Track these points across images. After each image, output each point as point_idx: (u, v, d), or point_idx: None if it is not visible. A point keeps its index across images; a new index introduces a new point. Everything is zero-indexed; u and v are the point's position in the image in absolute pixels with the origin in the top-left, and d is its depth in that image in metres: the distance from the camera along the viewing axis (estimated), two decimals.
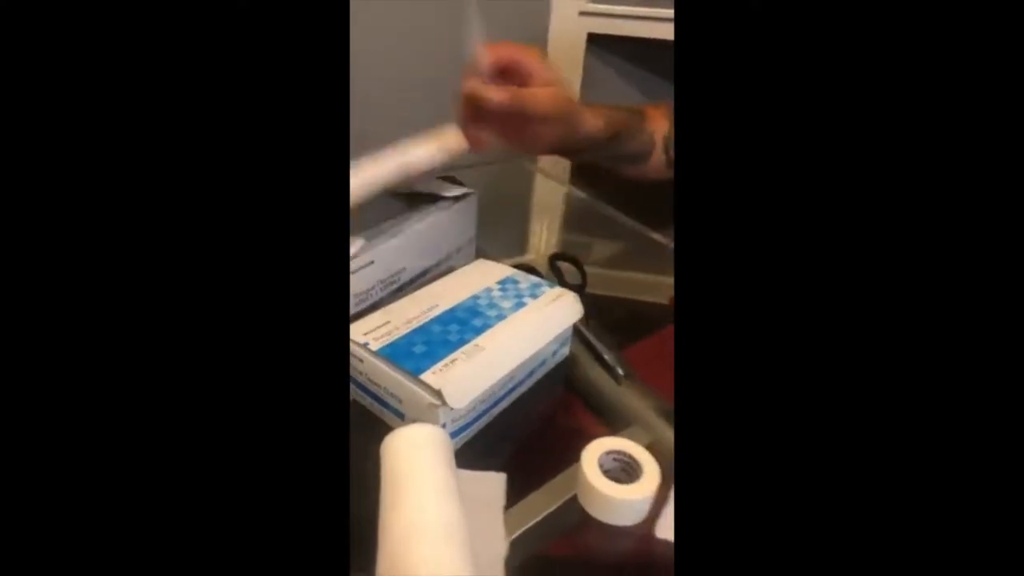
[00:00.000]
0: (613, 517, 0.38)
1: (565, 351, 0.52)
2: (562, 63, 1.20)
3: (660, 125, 0.68)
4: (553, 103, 0.51)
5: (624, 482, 0.38)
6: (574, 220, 1.36)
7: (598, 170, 1.46)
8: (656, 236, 0.90)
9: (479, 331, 0.44)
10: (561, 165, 1.30)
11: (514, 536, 0.38)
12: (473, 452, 0.44)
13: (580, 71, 1.20)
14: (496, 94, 0.49)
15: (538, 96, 0.50)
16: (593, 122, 0.57)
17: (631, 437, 0.42)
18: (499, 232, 0.97)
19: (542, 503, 0.41)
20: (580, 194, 1.24)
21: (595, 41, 1.21)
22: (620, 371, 0.50)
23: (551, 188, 1.27)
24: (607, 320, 0.58)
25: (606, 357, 0.51)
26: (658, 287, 0.78)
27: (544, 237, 1.37)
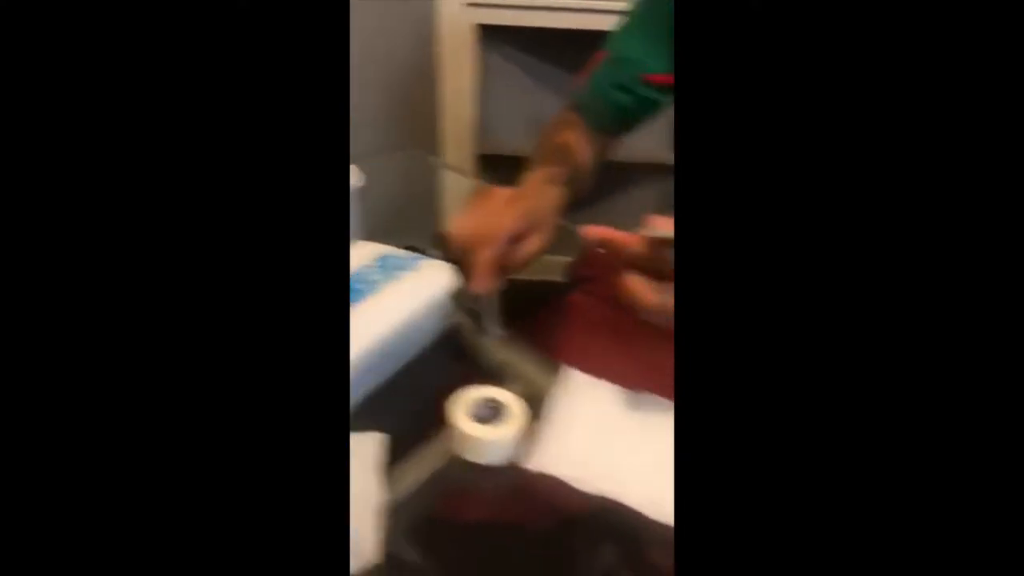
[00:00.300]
0: (486, 457, 0.40)
1: (446, 321, 0.54)
2: (453, 57, 1.21)
3: (575, 145, 0.70)
4: (540, 250, 0.55)
5: (494, 424, 0.40)
6: None
7: (502, 160, 1.48)
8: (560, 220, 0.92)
9: (351, 304, 0.46)
10: (465, 158, 1.32)
11: (400, 494, 0.40)
12: (358, 422, 0.45)
13: (471, 64, 1.22)
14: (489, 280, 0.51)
15: (527, 256, 0.54)
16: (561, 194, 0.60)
17: (510, 390, 0.45)
18: (410, 229, 0.98)
19: (425, 461, 0.43)
20: (488, 186, 1.25)
21: (486, 32, 1.23)
22: (500, 333, 0.53)
23: (459, 182, 1.29)
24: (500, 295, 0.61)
25: (486, 321, 0.54)
26: (559, 266, 0.81)
27: None
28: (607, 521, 0.41)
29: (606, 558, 0.54)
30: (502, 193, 0.56)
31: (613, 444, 0.42)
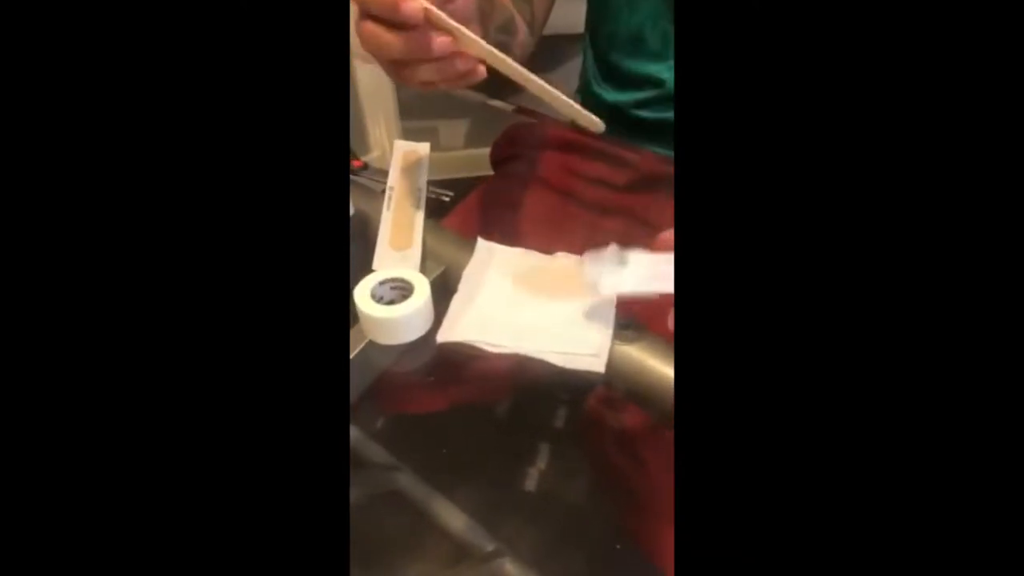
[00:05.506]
0: (397, 337, 0.40)
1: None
2: None
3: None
4: None
5: (400, 304, 0.40)
6: (412, 105, 1.31)
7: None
8: (497, 103, 0.86)
9: None
10: None
11: None
12: None
13: None
14: None
15: None
16: None
17: (423, 271, 0.44)
18: None
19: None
20: None
21: None
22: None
23: (374, 75, 1.22)
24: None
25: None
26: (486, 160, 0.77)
27: (384, 130, 1.33)
28: (548, 383, 0.41)
29: (556, 422, 0.56)
30: None
31: (525, 304, 0.43)
